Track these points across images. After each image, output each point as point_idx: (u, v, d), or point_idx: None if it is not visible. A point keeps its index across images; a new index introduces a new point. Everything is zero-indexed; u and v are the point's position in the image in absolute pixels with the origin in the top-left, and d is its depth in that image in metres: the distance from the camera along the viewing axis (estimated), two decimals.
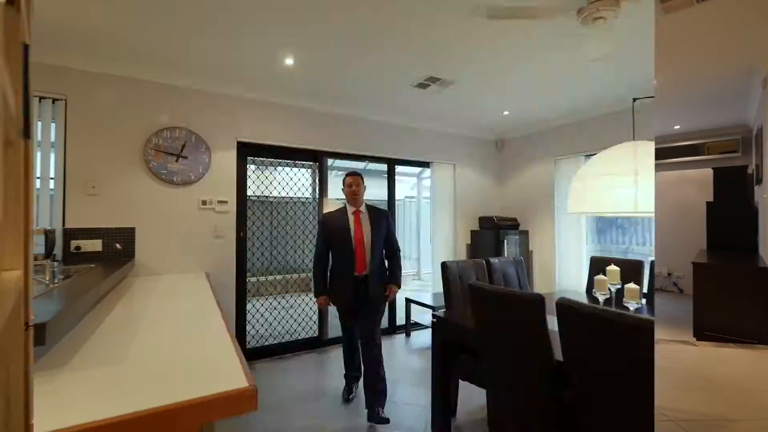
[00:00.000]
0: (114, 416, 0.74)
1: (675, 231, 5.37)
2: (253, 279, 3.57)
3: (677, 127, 4.89)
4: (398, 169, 4.18)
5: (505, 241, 4.15)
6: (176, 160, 2.89)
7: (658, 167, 4.54)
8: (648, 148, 1.84)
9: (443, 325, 2.15)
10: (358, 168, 3.40)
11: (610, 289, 2.00)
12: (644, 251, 5.51)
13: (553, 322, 1.38)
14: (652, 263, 2.64)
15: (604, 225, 5.95)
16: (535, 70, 2.78)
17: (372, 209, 2.53)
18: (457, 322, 2.08)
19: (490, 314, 1.63)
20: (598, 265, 2.59)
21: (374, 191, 3.49)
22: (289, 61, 2.64)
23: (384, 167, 4.07)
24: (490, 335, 1.66)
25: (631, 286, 1.85)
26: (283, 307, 3.63)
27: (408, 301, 4.01)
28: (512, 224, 4.35)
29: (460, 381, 2.24)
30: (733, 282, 3.12)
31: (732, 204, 4.32)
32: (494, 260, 2.72)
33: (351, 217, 2.44)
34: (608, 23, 1.58)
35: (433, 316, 2.21)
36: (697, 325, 3.23)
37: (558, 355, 1.39)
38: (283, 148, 3.41)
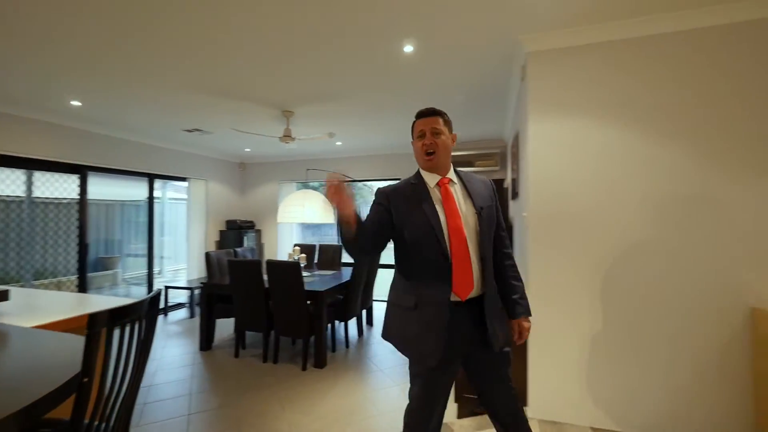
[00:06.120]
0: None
1: None
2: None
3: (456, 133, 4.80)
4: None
5: (246, 237, 5.96)
6: None
7: None
8: (313, 194, 4.16)
9: (210, 287, 3.72)
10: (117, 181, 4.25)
11: (294, 257, 4.22)
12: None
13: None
14: (340, 246, 5.08)
15: (320, 225, 8.96)
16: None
17: (466, 177, 1.43)
18: (219, 284, 3.72)
19: (241, 275, 3.42)
20: (302, 248, 4.88)
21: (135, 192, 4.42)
22: (76, 103, 3.37)
23: (145, 180, 4.94)
24: (239, 286, 3.44)
25: (302, 255, 4.14)
26: None
27: (167, 288, 5.09)
28: (250, 225, 6.21)
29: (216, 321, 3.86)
30: None
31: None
32: (238, 249, 4.50)
33: (435, 191, 1.36)
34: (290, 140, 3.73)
35: (202, 283, 3.73)
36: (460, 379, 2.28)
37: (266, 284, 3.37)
38: (46, 161, 3.78)
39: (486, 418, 2.28)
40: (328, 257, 4.92)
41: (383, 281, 7.50)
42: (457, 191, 1.37)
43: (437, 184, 1.36)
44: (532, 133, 2.30)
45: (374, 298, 4.95)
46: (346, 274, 4.19)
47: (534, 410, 2.27)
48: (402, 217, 1.32)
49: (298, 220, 4.04)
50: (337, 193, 1.20)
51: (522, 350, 2.33)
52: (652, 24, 2.05)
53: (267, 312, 3.39)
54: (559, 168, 2.23)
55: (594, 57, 2.18)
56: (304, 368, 3.21)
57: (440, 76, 2.83)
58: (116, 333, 1.17)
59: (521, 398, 2.34)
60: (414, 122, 1.40)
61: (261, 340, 3.92)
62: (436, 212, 1.30)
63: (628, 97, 2.13)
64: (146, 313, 1.35)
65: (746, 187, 1.95)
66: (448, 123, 1.39)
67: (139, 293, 5.17)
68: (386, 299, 1.45)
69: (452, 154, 1.39)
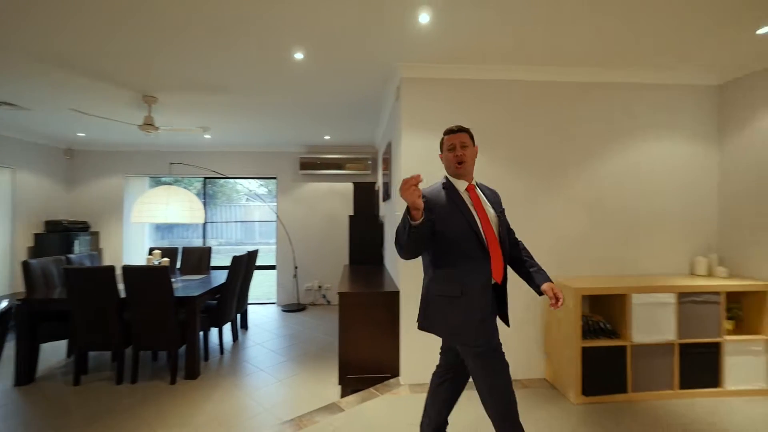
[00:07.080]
0: None
1: (325, 242, 5.66)
2: None
3: (327, 137, 5.06)
4: None
5: (77, 241, 4.85)
6: None
7: (312, 177, 5.59)
8: (178, 191, 3.73)
9: (33, 303, 2.95)
10: None
11: (154, 262, 3.73)
12: (201, 241, 7.90)
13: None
14: (209, 248, 4.54)
15: (173, 226, 7.83)
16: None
17: (481, 186, 1.70)
18: (49, 299, 2.99)
19: (84, 285, 2.85)
20: (163, 252, 4.27)
21: None
22: None
23: None
24: (82, 298, 2.86)
25: (165, 260, 3.69)
26: None
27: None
28: (83, 227, 5.08)
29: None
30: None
31: (366, 218, 4.33)
32: (72, 256, 3.69)
33: (465, 194, 1.58)
34: (152, 129, 3.29)
35: (21, 299, 2.94)
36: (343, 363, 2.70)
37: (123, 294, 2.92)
38: None
39: (368, 392, 2.59)
40: (193, 261, 4.49)
41: (257, 283, 7.21)
42: (481, 196, 1.60)
43: (465, 189, 1.58)
44: (404, 146, 2.73)
45: (249, 301, 4.75)
46: (216, 277, 3.94)
47: (404, 377, 2.70)
48: (443, 218, 1.49)
49: (160, 220, 3.60)
50: (414, 190, 1.31)
51: (395, 328, 2.74)
52: (488, 72, 2.73)
53: (121, 326, 2.94)
54: (424, 176, 2.71)
55: (451, 89, 2.75)
56: (173, 382, 2.92)
57: (325, 84, 3.03)
58: None
59: (395, 369, 2.75)
60: (443, 138, 1.63)
61: (109, 362, 3.34)
62: (472, 213, 1.52)
63: (472, 124, 2.76)
64: None
65: (537, 203, 2.81)
66: (472, 137, 1.62)
67: None
68: (422, 294, 1.61)
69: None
